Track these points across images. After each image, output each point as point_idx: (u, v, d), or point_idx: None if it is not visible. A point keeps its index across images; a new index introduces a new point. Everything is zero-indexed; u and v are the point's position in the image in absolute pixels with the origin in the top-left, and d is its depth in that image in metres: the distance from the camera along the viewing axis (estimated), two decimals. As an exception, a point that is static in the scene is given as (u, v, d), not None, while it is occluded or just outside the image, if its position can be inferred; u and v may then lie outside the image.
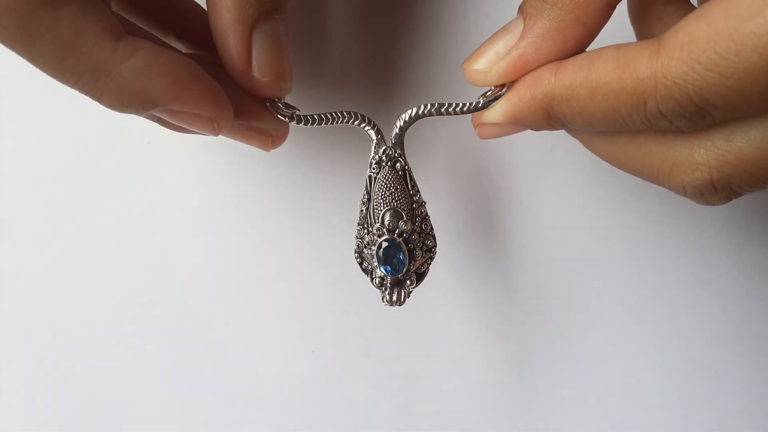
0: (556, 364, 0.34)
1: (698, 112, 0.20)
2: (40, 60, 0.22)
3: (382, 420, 0.35)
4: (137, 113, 0.24)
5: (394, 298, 0.27)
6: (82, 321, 0.35)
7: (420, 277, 0.27)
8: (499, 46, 0.24)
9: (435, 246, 0.27)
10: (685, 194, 0.23)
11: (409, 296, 0.27)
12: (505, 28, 0.25)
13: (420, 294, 0.35)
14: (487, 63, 0.25)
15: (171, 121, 0.25)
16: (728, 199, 0.22)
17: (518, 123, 0.25)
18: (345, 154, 0.34)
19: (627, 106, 0.21)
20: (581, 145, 0.34)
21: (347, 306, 0.35)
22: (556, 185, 0.34)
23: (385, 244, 0.26)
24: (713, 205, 0.22)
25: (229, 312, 0.35)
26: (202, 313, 0.35)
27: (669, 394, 0.34)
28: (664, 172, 0.23)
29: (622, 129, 0.23)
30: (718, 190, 0.22)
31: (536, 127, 0.25)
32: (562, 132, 0.33)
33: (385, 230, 0.26)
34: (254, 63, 0.25)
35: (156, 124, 0.26)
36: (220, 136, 0.27)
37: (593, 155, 0.34)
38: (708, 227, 0.34)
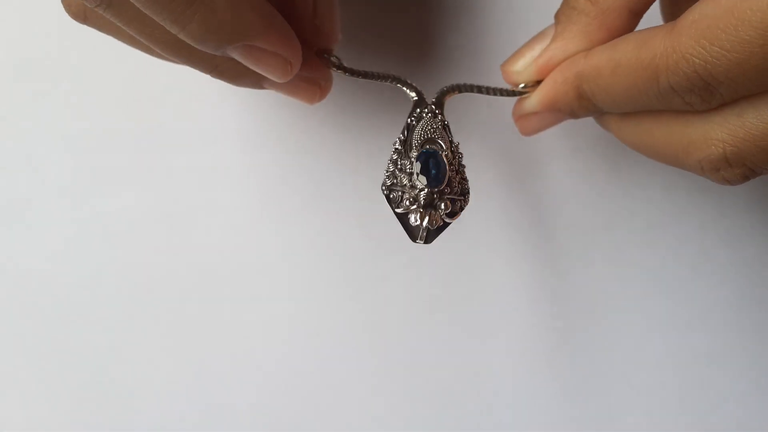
0: (552, 353, 0.35)
1: (706, 88, 0.21)
2: None
3: (388, 409, 0.35)
4: (216, 48, 0.23)
5: (426, 221, 0.24)
6: (93, 303, 0.35)
7: (451, 214, 0.25)
8: (535, 50, 0.27)
9: (468, 193, 0.26)
10: (703, 172, 0.24)
11: (439, 227, 0.25)
12: (541, 33, 0.27)
13: (420, 287, 0.35)
14: (524, 65, 0.27)
15: (246, 62, 0.24)
16: (745, 176, 0.23)
17: (554, 107, 0.27)
18: (354, 148, 0.34)
19: (643, 81, 0.23)
20: (585, 135, 0.35)
21: (353, 290, 0.35)
22: (560, 173, 0.34)
23: (428, 150, 0.25)
24: (732, 183, 0.23)
25: (238, 297, 0.35)
26: (209, 297, 0.35)
27: (668, 380, 0.34)
28: (683, 149, 0.24)
29: (642, 107, 0.24)
30: (732, 165, 0.23)
31: (570, 110, 0.27)
32: (567, 121, 0.33)
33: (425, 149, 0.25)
34: (318, 12, 0.26)
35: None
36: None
37: (596, 145, 0.34)
38: (709, 216, 0.34)
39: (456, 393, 0.35)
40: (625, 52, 0.23)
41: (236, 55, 0.24)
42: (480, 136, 0.34)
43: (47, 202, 0.35)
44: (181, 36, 0.22)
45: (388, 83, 0.28)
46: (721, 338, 0.34)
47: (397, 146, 0.26)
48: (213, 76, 0.26)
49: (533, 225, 0.34)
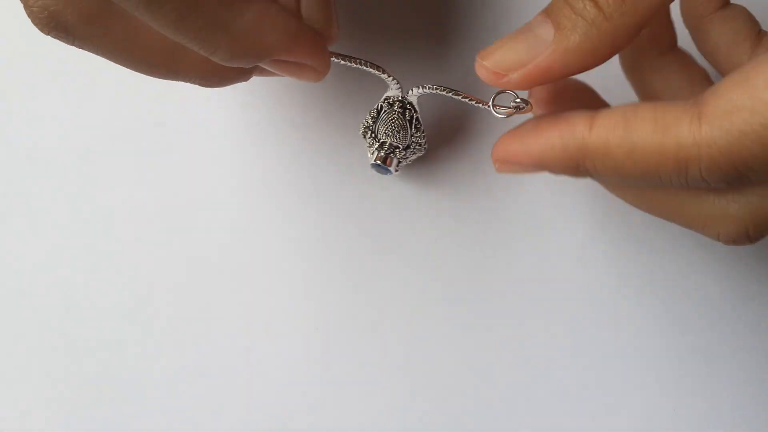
0: (549, 349, 0.35)
1: (739, 177, 0.20)
2: (161, 19, 0.22)
3: (386, 398, 0.35)
4: (246, 64, 0.24)
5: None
6: (92, 299, 0.35)
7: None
8: (521, 50, 0.23)
9: (424, 145, 0.33)
10: (719, 240, 0.24)
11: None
12: (529, 30, 0.23)
13: (418, 285, 0.35)
14: (505, 63, 0.23)
15: (275, 71, 0.26)
16: (757, 241, 0.23)
17: (543, 168, 0.24)
18: (354, 146, 0.35)
19: (667, 169, 0.21)
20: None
21: (352, 284, 0.35)
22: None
23: (378, 164, 0.32)
24: (743, 245, 0.24)
25: (237, 289, 0.35)
26: (208, 294, 0.35)
27: (664, 377, 0.34)
28: (699, 222, 0.23)
29: (655, 186, 0.23)
30: (752, 240, 0.23)
31: (559, 174, 0.24)
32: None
33: (383, 154, 0.31)
34: (303, 13, 0.26)
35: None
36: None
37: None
38: (706, 214, 0.34)
39: (454, 392, 0.35)
40: (643, 135, 0.21)
41: (266, 66, 0.26)
42: (478, 134, 0.34)
43: (47, 198, 0.35)
44: (214, 58, 0.23)
45: (371, 70, 0.29)
46: (716, 334, 0.34)
47: (371, 116, 0.32)
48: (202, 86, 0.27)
49: (530, 223, 0.35)
